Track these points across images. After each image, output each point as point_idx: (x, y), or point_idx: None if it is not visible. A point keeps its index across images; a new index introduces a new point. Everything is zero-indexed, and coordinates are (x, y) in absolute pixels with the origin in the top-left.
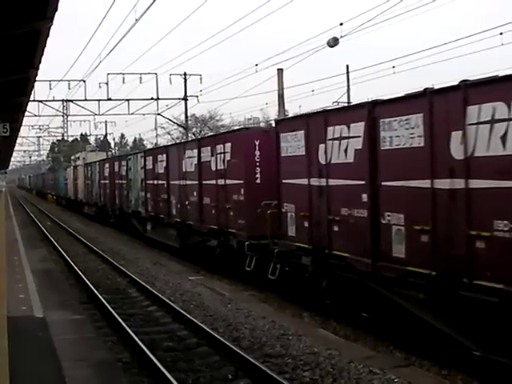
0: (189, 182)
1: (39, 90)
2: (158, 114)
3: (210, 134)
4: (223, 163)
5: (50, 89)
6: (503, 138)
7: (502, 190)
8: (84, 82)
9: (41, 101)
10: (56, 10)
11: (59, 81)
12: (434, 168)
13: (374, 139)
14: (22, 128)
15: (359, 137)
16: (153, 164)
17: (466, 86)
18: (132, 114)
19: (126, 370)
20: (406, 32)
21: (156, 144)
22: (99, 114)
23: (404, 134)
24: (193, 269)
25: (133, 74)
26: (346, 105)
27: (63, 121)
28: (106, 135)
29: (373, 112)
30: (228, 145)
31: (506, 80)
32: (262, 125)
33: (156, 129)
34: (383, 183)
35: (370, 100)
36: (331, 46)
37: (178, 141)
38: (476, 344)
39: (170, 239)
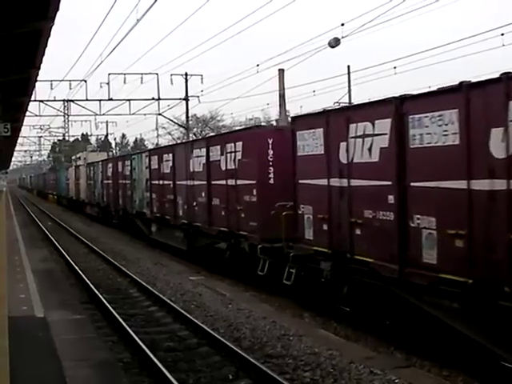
0: (196, 183)
1: (40, 90)
2: (159, 115)
3: (220, 132)
4: (234, 163)
5: (51, 89)
6: None
7: None
8: (85, 81)
9: (42, 101)
10: (57, 9)
11: (60, 81)
12: (471, 168)
13: (402, 137)
14: (22, 128)
15: (385, 134)
16: (158, 164)
17: (508, 78)
18: (133, 114)
19: (126, 370)
20: (408, 32)
21: (157, 144)
22: (100, 114)
23: (436, 131)
24: (193, 269)
25: (134, 74)
26: (369, 100)
27: (64, 121)
28: (106, 135)
29: (401, 108)
30: (239, 143)
31: None
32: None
33: (157, 129)
34: (412, 184)
35: (397, 95)
36: (332, 47)
37: (179, 141)
38: None
39: (176, 241)
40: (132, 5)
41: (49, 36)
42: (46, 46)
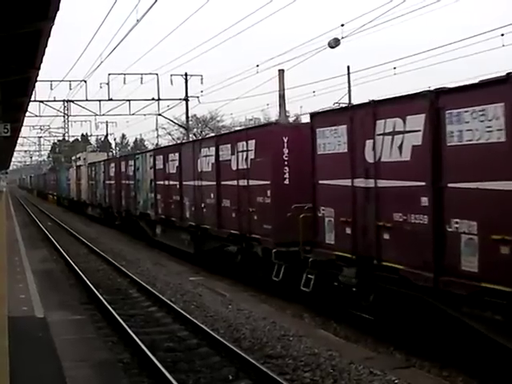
0: (205, 183)
1: (40, 91)
2: (159, 115)
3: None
4: (246, 162)
5: (51, 89)
6: None
7: None
8: (85, 82)
9: (42, 101)
10: (57, 10)
11: (60, 81)
12: None
13: (438, 134)
14: (22, 128)
15: (418, 131)
16: (164, 163)
17: None
18: (133, 114)
19: (126, 370)
20: (408, 33)
21: (157, 144)
22: (100, 115)
23: (478, 127)
24: (193, 269)
25: (134, 74)
26: (399, 94)
27: (64, 121)
28: (106, 135)
29: (436, 102)
30: (252, 142)
31: None
32: None
33: (157, 129)
34: (450, 185)
35: (432, 88)
36: (332, 47)
37: (178, 141)
38: None
39: (182, 244)
40: (132, 5)
41: (49, 36)
42: (46, 46)
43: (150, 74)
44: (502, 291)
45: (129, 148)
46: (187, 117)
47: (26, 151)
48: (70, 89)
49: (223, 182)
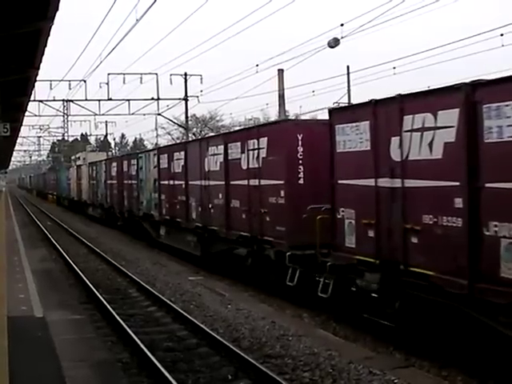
0: (212, 183)
1: (40, 90)
2: (159, 115)
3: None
4: (257, 161)
5: (51, 89)
6: None
7: None
8: (84, 82)
9: (41, 101)
10: (57, 9)
11: (60, 81)
12: None
13: (474, 130)
14: (22, 128)
15: (451, 127)
16: (168, 162)
17: None
18: (132, 114)
19: (125, 370)
20: (407, 33)
21: (156, 144)
22: (100, 114)
23: None
24: (193, 269)
25: (133, 74)
26: (431, 88)
27: (63, 121)
28: (106, 135)
29: (472, 96)
30: (263, 140)
31: None
32: None
33: (156, 129)
34: (488, 185)
35: (468, 81)
36: (332, 47)
37: (178, 141)
38: None
39: (188, 246)
40: (131, 5)
41: (48, 36)
42: (45, 45)
43: (150, 73)
44: None
45: (128, 148)
46: (186, 116)
47: (25, 151)
48: (70, 88)
49: (232, 182)
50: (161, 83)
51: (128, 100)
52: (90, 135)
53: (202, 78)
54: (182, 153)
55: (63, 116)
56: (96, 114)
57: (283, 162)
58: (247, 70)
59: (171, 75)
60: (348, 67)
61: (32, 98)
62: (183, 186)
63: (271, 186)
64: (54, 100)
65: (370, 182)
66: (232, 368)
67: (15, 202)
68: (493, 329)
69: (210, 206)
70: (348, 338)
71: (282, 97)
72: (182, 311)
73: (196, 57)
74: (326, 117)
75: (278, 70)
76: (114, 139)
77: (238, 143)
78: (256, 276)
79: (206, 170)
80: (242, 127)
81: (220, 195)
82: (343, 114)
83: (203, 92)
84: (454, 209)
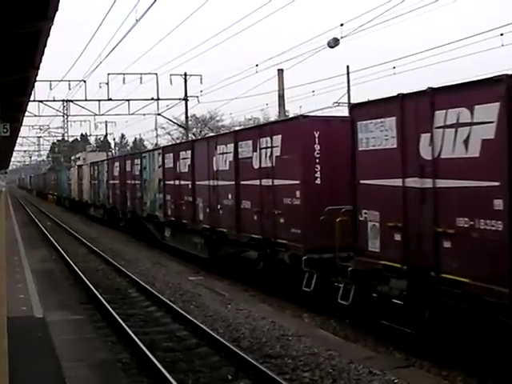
0: (221, 183)
1: (39, 90)
2: (159, 115)
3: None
4: (270, 160)
5: (51, 89)
6: None
7: None
8: (84, 82)
9: (41, 101)
10: (56, 10)
11: (59, 81)
12: None
13: None
14: (22, 128)
15: (490, 123)
16: (174, 162)
17: None
18: (132, 114)
19: (125, 370)
20: (407, 32)
21: (156, 144)
22: (99, 115)
23: None
24: (193, 269)
25: (133, 74)
26: (465, 80)
27: (63, 121)
28: (106, 135)
29: None
30: (277, 137)
31: None
32: None
33: (156, 129)
34: None
35: (509, 72)
36: (332, 47)
37: (178, 141)
38: None
39: (195, 248)
40: (131, 5)
41: (48, 36)
42: (45, 46)
43: (150, 73)
44: None
45: (128, 148)
46: (186, 116)
47: (25, 151)
48: (70, 89)
49: (243, 182)
50: (161, 83)
51: (128, 100)
52: (90, 135)
53: (201, 78)
54: (189, 152)
55: (63, 116)
56: (96, 114)
57: (299, 160)
58: (247, 69)
59: (171, 75)
60: (348, 67)
61: (32, 98)
62: (190, 186)
63: (286, 186)
64: (54, 100)
65: (397, 182)
66: (232, 368)
67: (15, 202)
68: None
69: (219, 206)
70: (348, 337)
71: (281, 97)
72: (181, 311)
73: (196, 57)
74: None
75: (278, 69)
76: (114, 139)
77: (250, 141)
78: (268, 280)
79: (215, 169)
80: (242, 127)
81: (229, 196)
82: (366, 109)
83: (203, 92)
84: (492, 211)
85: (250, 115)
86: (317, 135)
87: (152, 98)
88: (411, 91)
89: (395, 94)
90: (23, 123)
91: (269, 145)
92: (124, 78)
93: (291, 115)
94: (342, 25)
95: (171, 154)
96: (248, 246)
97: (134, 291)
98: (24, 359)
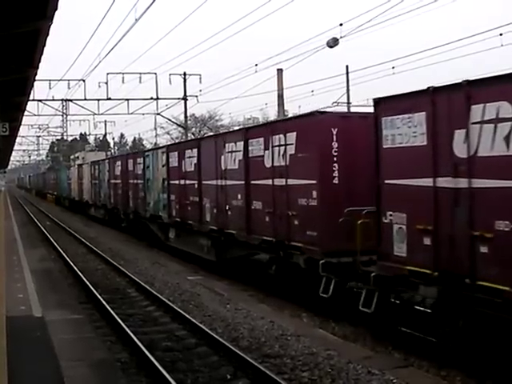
0: (230, 182)
1: (39, 90)
2: (158, 114)
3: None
4: (283, 158)
5: (50, 88)
6: None
7: None
8: (83, 81)
9: (40, 100)
10: (56, 9)
11: (59, 80)
12: None
13: None
14: (21, 127)
15: None
16: (179, 161)
17: None
18: (131, 113)
19: (124, 369)
20: (406, 32)
21: (155, 144)
22: (99, 114)
23: None
24: (192, 269)
25: (132, 73)
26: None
27: (63, 120)
28: (105, 135)
29: None
30: (292, 135)
31: None
32: None
33: (155, 128)
34: None
35: None
36: (331, 47)
37: (177, 140)
38: None
39: (201, 250)
40: (130, 4)
41: (47, 35)
42: (44, 45)
43: (149, 73)
44: None
45: (127, 147)
46: (186, 116)
47: (24, 150)
48: (69, 88)
49: (254, 182)
50: (160, 83)
51: (127, 99)
52: (89, 135)
53: (201, 78)
54: (195, 150)
55: (62, 115)
56: (95, 114)
57: (315, 159)
58: (246, 69)
59: (170, 75)
60: (347, 67)
61: (31, 98)
62: (196, 185)
63: (301, 186)
64: (53, 99)
65: (427, 181)
66: (231, 368)
67: (14, 201)
68: None
69: (227, 207)
70: (347, 337)
71: (281, 96)
72: (180, 311)
73: (195, 56)
74: None
75: (277, 69)
76: (113, 139)
77: (261, 139)
78: (281, 284)
79: (223, 168)
80: (240, 126)
81: (239, 196)
82: (392, 104)
83: (202, 92)
84: None
85: (249, 115)
86: (334, 132)
87: (151, 98)
88: (443, 84)
89: (425, 88)
90: (22, 122)
91: (282, 142)
92: (123, 78)
93: (290, 115)
94: (341, 24)
95: (176, 153)
96: (259, 249)
97: (133, 291)
98: (23, 359)
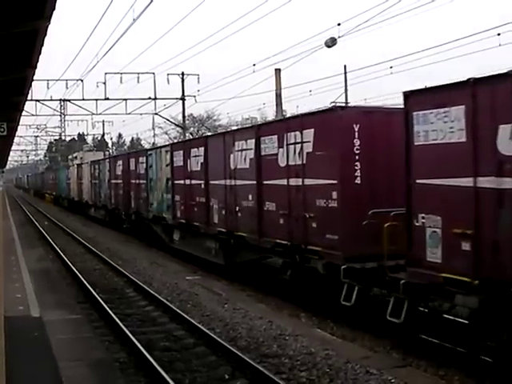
0: (240, 182)
1: (37, 90)
2: (156, 114)
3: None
4: (300, 157)
5: (48, 88)
6: None
7: None
8: (81, 81)
9: (38, 100)
10: (54, 8)
11: (57, 80)
12: None
13: None
14: (19, 127)
15: None
16: (184, 160)
17: None
18: (129, 113)
19: (123, 369)
20: (404, 32)
21: (153, 144)
22: (97, 114)
23: None
24: (190, 269)
25: (130, 73)
26: None
27: (61, 120)
28: (103, 135)
29: None
30: (309, 131)
31: None
32: None
33: (153, 128)
34: None
35: None
36: (329, 47)
37: (175, 140)
38: None
39: (208, 253)
40: (128, 4)
41: (45, 35)
42: (42, 45)
43: (147, 73)
44: None
45: (125, 147)
46: (184, 116)
47: (22, 150)
48: (67, 88)
49: (266, 182)
50: (158, 83)
51: (125, 99)
52: (87, 135)
53: (199, 78)
54: (202, 149)
55: (60, 115)
56: (93, 114)
57: (336, 157)
58: (244, 69)
59: (168, 75)
60: (345, 67)
61: (29, 98)
62: (202, 185)
63: (319, 186)
64: (51, 99)
65: (466, 181)
66: (229, 367)
67: (12, 201)
68: None
69: (237, 208)
70: (345, 337)
71: (279, 96)
72: (178, 311)
73: (193, 56)
74: None
75: (275, 69)
76: (111, 139)
77: (274, 136)
78: (297, 291)
79: (232, 167)
80: (239, 126)
81: (250, 197)
82: (425, 97)
83: (200, 91)
84: None
85: (247, 115)
86: (356, 129)
87: (149, 98)
88: (485, 75)
89: (464, 79)
90: (20, 122)
91: (298, 140)
92: (121, 78)
93: (288, 115)
94: (339, 24)
95: (181, 152)
96: (272, 253)
97: (131, 291)
98: (21, 359)
